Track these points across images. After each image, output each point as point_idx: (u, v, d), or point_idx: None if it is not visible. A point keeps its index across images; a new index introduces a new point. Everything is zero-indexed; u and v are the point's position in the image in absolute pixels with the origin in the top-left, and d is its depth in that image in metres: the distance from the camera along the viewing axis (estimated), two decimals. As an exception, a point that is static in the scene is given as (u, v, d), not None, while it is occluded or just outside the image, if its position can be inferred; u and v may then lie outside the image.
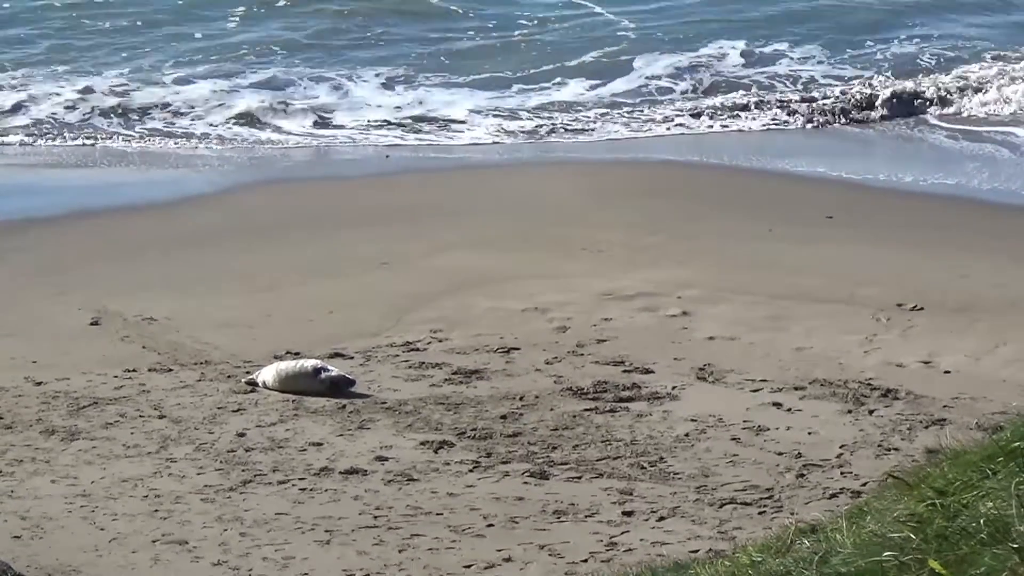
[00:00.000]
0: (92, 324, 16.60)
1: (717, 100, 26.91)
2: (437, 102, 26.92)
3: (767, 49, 29.46)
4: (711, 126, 25.95)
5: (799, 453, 13.23)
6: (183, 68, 28.65)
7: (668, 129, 25.74)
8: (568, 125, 25.98)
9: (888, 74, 28.06)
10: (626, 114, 26.47)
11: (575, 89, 27.67)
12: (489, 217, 20.45)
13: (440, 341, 16.04)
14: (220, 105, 26.83)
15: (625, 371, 15.15)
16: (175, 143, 25.33)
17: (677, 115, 26.32)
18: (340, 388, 14.68)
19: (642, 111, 26.53)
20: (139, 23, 31.05)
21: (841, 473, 12.84)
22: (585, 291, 17.38)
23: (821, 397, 14.46)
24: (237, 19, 31.54)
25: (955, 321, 16.38)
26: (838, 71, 28.44)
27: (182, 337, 16.18)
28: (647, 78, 28.07)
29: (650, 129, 25.73)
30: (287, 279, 18.11)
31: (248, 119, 26.22)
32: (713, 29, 30.58)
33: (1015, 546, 5.73)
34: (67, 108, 26.54)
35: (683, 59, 28.95)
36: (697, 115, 26.23)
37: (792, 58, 29.09)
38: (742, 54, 29.17)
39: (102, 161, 24.29)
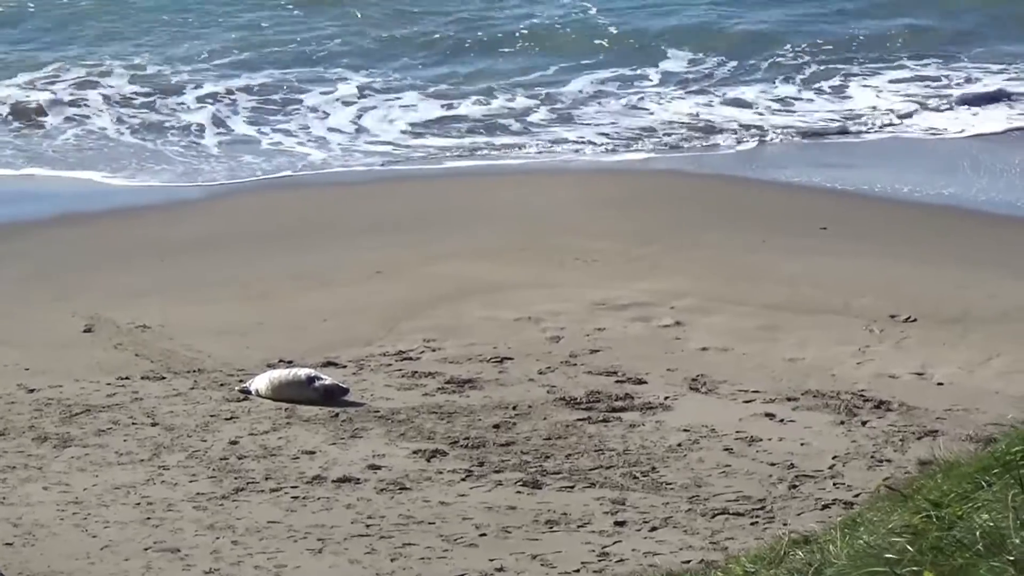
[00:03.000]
0: (85, 331, 16.57)
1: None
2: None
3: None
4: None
5: (791, 464, 13.22)
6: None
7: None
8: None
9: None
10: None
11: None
12: (483, 227, 20.45)
13: (433, 350, 16.03)
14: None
15: (618, 381, 15.14)
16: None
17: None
18: (333, 396, 14.66)
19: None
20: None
21: (834, 484, 12.83)
22: (578, 301, 17.37)
23: (814, 408, 14.45)
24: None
25: (948, 332, 16.39)
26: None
27: (175, 345, 16.16)
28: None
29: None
30: (281, 287, 18.10)
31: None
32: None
33: (1011, 558, 5.72)
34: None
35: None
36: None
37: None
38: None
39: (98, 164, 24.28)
